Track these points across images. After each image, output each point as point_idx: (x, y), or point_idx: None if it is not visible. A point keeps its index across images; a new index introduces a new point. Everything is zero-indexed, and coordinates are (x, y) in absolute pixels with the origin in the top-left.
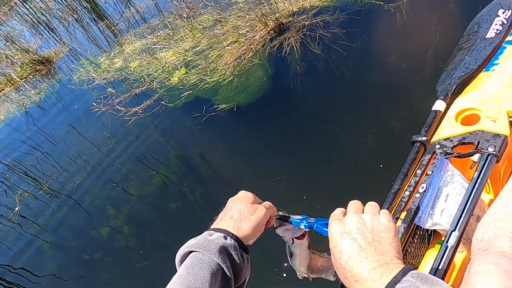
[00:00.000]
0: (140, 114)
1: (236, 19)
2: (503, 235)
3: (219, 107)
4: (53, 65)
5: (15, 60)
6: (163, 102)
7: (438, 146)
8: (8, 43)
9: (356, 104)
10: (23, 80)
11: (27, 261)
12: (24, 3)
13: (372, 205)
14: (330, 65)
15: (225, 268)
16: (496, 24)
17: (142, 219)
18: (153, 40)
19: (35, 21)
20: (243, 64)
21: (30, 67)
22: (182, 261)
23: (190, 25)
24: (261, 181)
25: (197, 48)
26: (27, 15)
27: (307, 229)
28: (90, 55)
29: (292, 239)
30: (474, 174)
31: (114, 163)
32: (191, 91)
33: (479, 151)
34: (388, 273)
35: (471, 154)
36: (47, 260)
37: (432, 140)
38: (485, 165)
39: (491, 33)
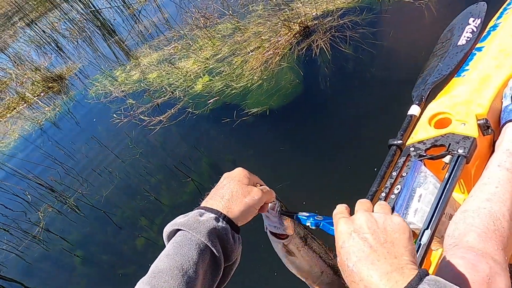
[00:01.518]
0: (165, 123)
1: (257, 25)
2: (472, 231)
3: (250, 111)
4: (66, 81)
5: (24, 80)
6: (189, 110)
7: (413, 149)
8: (16, 64)
9: (390, 105)
10: (35, 97)
11: (57, 279)
12: (30, 25)
13: (383, 205)
14: (362, 65)
15: (214, 251)
16: (467, 32)
17: None
18: (170, 51)
19: (44, 41)
20: (271, 68)
21: (42, 84)
22: (170, 237)
23: (209, 34)
24: (299, 187)
25: (219, 56)
26: (35, 36)
27: (313, 227)
28: (105, 69)
29: (269, 231)
30: (445, 174)
31: (143, 173)
32: (217, 98)
33: (450, 153)
34: (403, 279)
35: (443, 156)
36: (79, 277)
37: (407, 143)
38: (456, 166)
39: (462, 40)
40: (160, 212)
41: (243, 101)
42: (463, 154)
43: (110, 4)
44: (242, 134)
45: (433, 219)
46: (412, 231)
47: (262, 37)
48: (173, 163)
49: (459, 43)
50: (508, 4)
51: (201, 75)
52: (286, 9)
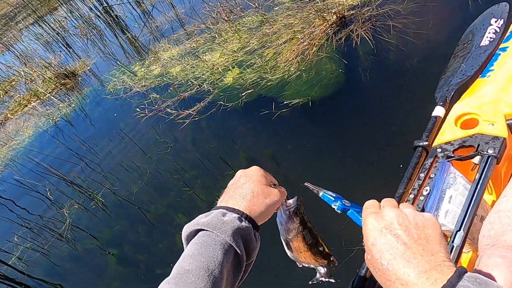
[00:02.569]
0: (194, 117)
1: (286, 18)
2: (509, 231)
3: (291, 102)
4: (79, 78)
5: (33, 77)
6: (220, 103)
7: (440, 150)
8: (24, 62)
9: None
10: (47, 95)
11: (86, 280)
12: (36, 23)
13: (408, 204)
14: (405, 56)
15: (238, 250)
16: (489, 33)
17: None
18: (191, 46)
19: (53, 38)
20: (308, 59)
21: (55, 81)
22: (189, 237)
23: (233, 27)
24: (344, 182)
25: (248, 48)
26: (42, 34)
27: (339, 211)
28: (122, 65)
29: (288, 214)
30: (475, 175)
31: (176, 168)
32: (252, 90)
33: (479, 153)
34: (442, 277)
35: (472, 157)
36: (110, 277)
37: (434, 144)
38: (486, 167)
39: (485, 41)
40: (198, 209)
41: (280, 92)
42: (493, 154)
43: (122, 0)
44: (281, 126)
45: (465, 220)
46: (444, 232)
47: (294, 28)
48: (207, 157)
49: (482, 43)
50: None
51: (230, 67)
52: (318, 0)
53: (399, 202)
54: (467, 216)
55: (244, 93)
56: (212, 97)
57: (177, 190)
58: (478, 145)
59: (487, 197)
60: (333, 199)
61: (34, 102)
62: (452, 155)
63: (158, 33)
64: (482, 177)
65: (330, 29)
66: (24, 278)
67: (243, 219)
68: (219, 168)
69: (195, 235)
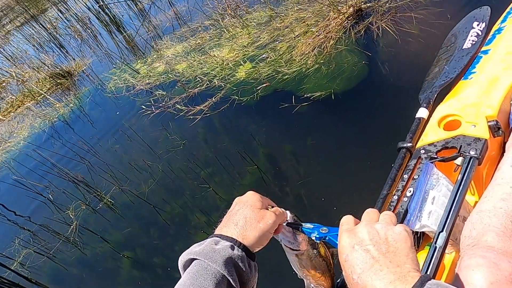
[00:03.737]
0: (206, 112)
1: (297, 12)
2: (490, 231)
3: (312, 95)
4: (76, 77)
5: (26, 78)
6: (233, 98)
7: (423, 151)
8: (14, 63)
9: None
10: (42, 95)
11: (97, 286)
12: (25, 25)
13: (387, 215)
14: (429, 45)
15: (231, 280)
16: (471, 36)
17: None
18: (196, 42)
19: (45, 39)
20: (326, 52)
21: (50, 81)
22: (186, 266)
23: (241, 23)
24: (369, 181)
25: (258, 43)
26: (33, 35)
27: (318, 241)
28: (121, 63)
29: (287, 246)
30: (458, 176)
31: (191, 165)
32: (268, 84)
33: (461, 154)
34: (406, 287)
35: (455, 158)
36: (124, 283)
37: (417, 145)
38: (468, 168)
39: (467, 44)
40: (216, 208)
41: (299, 86)
42: (475, 155)
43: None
44: (302, 120)
45: (448, 221)
46: (427, 233)
47: (307, 22)
48: (224, 153)
49: (464, 46)
50: None
51: (241, 62)
52: None
53: (383, 204)
54: (450, 217)
55: (259, 87)
56: (224, 92)
57: (192, 189)
58: (461, 146)
59: (470, 198)
60: (311, 230)
61: (28, 103)
62: (435, 156)
63: (159, 31)
64: (464, 178)
65: (347, 22)
66: (29, 285)
67: (236, 247)
68: (238, 164)
69: (191, 264)
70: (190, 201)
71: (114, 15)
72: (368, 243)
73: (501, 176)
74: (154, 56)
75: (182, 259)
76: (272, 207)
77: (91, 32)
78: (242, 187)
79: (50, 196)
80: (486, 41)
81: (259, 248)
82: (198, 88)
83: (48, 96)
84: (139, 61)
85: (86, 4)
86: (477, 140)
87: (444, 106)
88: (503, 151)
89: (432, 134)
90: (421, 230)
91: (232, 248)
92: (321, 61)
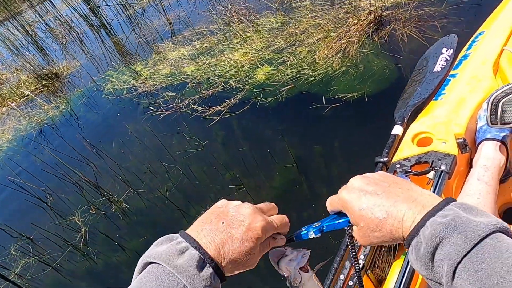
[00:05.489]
0: (225, 113)
1: (311, 18)
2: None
3: (344, 96)
4: (65, 79)
5: (1, 81)
6: (255, 99)
7: (399, 165)
8: None
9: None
10: (25, 97)
11: None
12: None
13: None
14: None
15: None
16: (441, 60)
17: None
18: (204, 46)
19: (21, 42)
20: (351, 56)
21: (34, 83)
22: (146, 265)
23: (253, 28)
24: None
25: (274, 47)
26: (8, 37)
27: (318, 234)
28: (118, 65)
29: (299, 272)
30: (430, 189)
31: (213, 167)
32: (292, 85)
33: (433, 169)
34: (429, 201)
35: (427, 172)
36: None
37: (393, 160)
38: (439, 181)
39: (437, 68)
40: None
41: (327, 88)
42: (446, 170)
43: (112, 2)
44: (333, 121)
45: None
46: (402, 244)
47: (324, 28)
48: (249, 154)
49: (435, 69)
50: (476, 37)
51: (258, 65)
52: (345, 2)
53: None
54: None
55: (283, 89)
56: (244, 94)
57: (217, 192)
58: (432, 161)
59: None
60: (305, 231)
61: (8, 105)
62: (410, 170)
63: (156, 35)
64: (436, 190)
65: (368, 28)
66: None
67: (215, 276)
68: (265, 165)
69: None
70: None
71: (105, 18)
72: (368, 186)
73: (469, 188)
74: (156, 58)
75: (152, 259)
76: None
77: (78, 34)
78: (272, 189)
79: (48, 200)
80: (454, 65)
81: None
82: (213, 89)
83: (35, 97)
84: (139, 63)
85: (73, 7)
86: (447, 156)
87: (417, 124)
88: (471, 166)
89: (407, 149)
90: None
91: (213, 277)
92: (348, 64)
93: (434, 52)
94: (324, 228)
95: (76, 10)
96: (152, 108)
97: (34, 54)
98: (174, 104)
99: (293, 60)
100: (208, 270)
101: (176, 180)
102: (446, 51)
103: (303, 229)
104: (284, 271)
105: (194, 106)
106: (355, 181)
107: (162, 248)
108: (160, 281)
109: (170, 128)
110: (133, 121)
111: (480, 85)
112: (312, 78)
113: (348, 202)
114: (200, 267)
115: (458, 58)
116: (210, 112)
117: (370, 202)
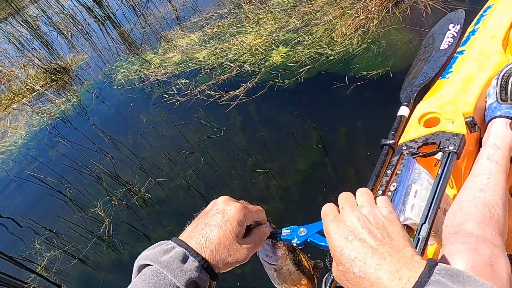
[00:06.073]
0: (242, 97)
1: None
2: (470, 219)
3: (368, 74)
4: (73, 72)
5: (10, 78)
6: (272, 81)
7: (405, 147)
8: None
9: None
10: (35, 92)
11: None
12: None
13: (365, 194)
14: None
15: None
16: (448, 37)
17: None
18: (214, 30)
19: (27, 38)
20: (372, 32)
21: (44, 78)
22: (141, 268)
23: (263, 9)
24: None
25: (289, 27)
26: (12, 34)
27: (300, 247)
28: (127, 55)
29: (265, 261)
30: (438, 170)
31: (235, 152)
32: (311, 65)
33: (441, 150)
34: (414, 274)
35: (435, 153)
36: None
37: (399, 142)
38: (448, 162)
39: (444, 45)
40: (272, 197)
41: (349, 66)
42: (454, 150)
43: None
44: (358, 100)
45: (430, 213)
46: (410, 226)
47: (340, 5)
48: (271, 138)
49: (441, 47)
50: (484, 11)
51: (273, 47)
52: None
53: None
54: (431, 209)
55: (302, 70)
56: (260, 77)
57: (241, 177)
58: (440, 142)
59: (449, 191)
60: (290, 236)
61: (19, 101)
62: (417, 152)
63: (164, 22)
64: (444, 172)
65: (388, 2)
66: None
67: (202, 269)
68: (289, 148)
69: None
70: (240, 191)
71: (109, 9)
72: (361, 231)
73: (479, 168)
74: (166, 46)
75: (142, 261)
76: (257, 221)
77: (83, 27)
78: (297, 172)
79: (68, 193)
80: (462, 42)
81: (222, 272)
82: (227, 74)
83: (43, 93)
84: (148, 52)
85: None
86: (455, 136)
87: (424, 104)
88: (480, 146)
89: (413, 131)
90: (404, 223)
91: (199, 269)
92: (369, 41)
93: (440, 29)
94: (308, 241)
95: (80, 2)
96: (166, 96)
97: (40, 49)
98: (189, 91)
99: (310, 39)
100: (192, 263)
101: (196, 167)
102: (453, 27)
103: (289, 232)
104: (264, 246)
105: (209, 92)
106: (350, 218)
107: (152, 251)
108: (149, 279)
109: (186, 115)
110: (147, 110)
111: (489, 61)
112: (332, 57)
113: (333, 239)
114: (184, 260)
115: (466, 34)
116: (227, 97)
117: (353, 252)
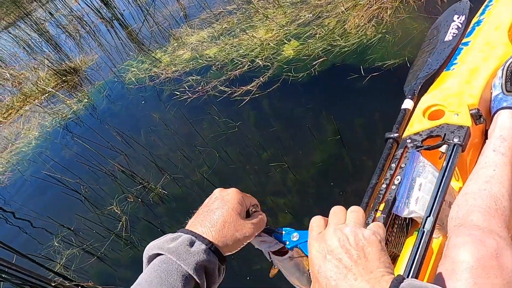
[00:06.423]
0: (255, 92)
1: None
2: (475, 211)
3: (384, 64)
4: (83, 73)
5: (21, 80)
6: (285, 75)
7: (409, 140)
8: (2, 66)
9: None
10: (46, 94)
11: None
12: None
13: (355, 212)
14: None
15: (199, 282)
16: (452, 28)
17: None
18: (223, 27)
19: (36, 41)
20: (386, 22)
21: (54, 79)
22: (151, 259)
23: (273, 4)
24: None
25: (300, 21)
26: (21, 37)
27: (291, 250)
28: (137, 55)
29: (269, 253)
30: (443, 163)
31: (251, 147)
32: (325, 58)
33: (446, 142)
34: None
35: (439, 146)
36: None
37: (404, 135)
38: (452, 155)
39: (449, 37)
40: (289, 190)
41: (364, 57)
42: (459, 142)
43: None
44: (374, 91)
45: (435, 206)
46: (415, 220)
47: None
48: (286, 132)
49: (446, 39)
50: (490, 1)
51: (285, 41)
52: None
53: (372, 192)
54: (436, 202)
55: (315, 63)
56: (273, 71)
57: (257, 172)
58: (445, 134)
59: (455, 184)
60: (283, 237)
61: (31, 103)
62: (421, 145)
63: (172, 21)
64: (449, 164)
65: None
66: None
67: (210, 251)
68: (305, 141)
69: (156, 256)
70: (256, 185)
71: (117, 9)
72: (339, 251)
73: (485, 160)
74: (175, 44)
75: (150, 251)
76: (255, 205)
77: (91, 28)
78: (313, 165)
79: (83, 191)
80: (466, 33)
81: (230, 253)
82: (239, 69)
83: (57, 93)
84: (157, 50)
85: (84, 1)
86: (460, 128)
87: (428, 97)
88: (486, 138)
89: (417, 124)
90: (409, 216)
91: (207, 252)
92: (383, 31)
93: (445, 21)
94: (298, 247)
95: (87, 3)
96: (178, 94)
97: (49, 51)
98: (200, 88)
99: (322, 32)
100: (199, 246)
101: (211, 163)
102: (458, 18)
103: (283, 233)
104: (256, 246)
105: (221, 88)
106: (331, 238)
107: (159, 240)
108: (157, 267)
109: (198, 112)
110: (159, 108)
111: (495, 52)
112: (346, 49)
113: (313, 257)
114: (191, 244)
115: (471, 25)
116: (239, 92)
117: (329, 271)
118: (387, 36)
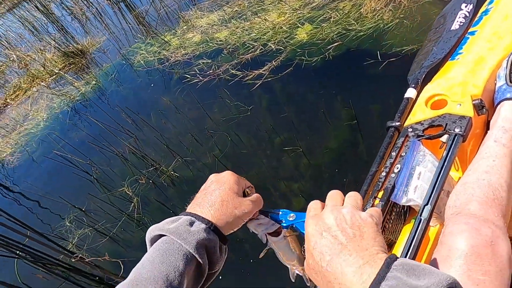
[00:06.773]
0: (267, 76)
1: None
2: (473, 200)
3: (402, 50)
4: (91, 55)
5: (28, 61)
6: (299, 59)
7: (411, 129)
8: (8, 47)
9: None
10: (54, 76)
11: None
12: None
13: (353, 197)
14: None
15: (201, 261)
16: (459, 17)
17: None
18: (234, 10)
19: (42, 22)
20: (404, 6)
21: (62, 61)
22: (153, 240)
23: None
24: None
25: (313, 4)
26: (27, 19)
27: (285, 229)
28: (145, 37)
29: (266, 235)
30: (443, 153)
31: (264, 131)
32: (340, 42)
33: (447, 132)
34: (374, 270)
35: (440, 135)
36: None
37: (405, 124)
38: (453, 144)
39: (455, 25)
40: (301, 175)
41: (380, 42)
42: (460, 133)
43: None
44: (391, 77)
45: (433, 194)
46: (413, 208)
47: None
48: (300, 116)
49: (452, 28)
50: None
51: (298, 24)
52: None
53: (372, 180)
54: (434, 191)
55: (330, 47)
56: (286, 55)
57: (270, 156)
58: (446, 124)
59: (454, 174)
60: (279, 217)
61: (38, 85)
62: (422, 134)
63: (181, 3)
64: (449, 154)
65: None
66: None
67: (210, 231)
68: (319, 126)
69: (158, 239)
70: (269, 169)
71: None
72: (335, 229)
73: (485, 151)
74: (184, 27)
75: (152, 233)
76: (250, 187)
77: (98, 10)
78: (328, 151)
79: (94, 172)
80: (474, 22)
81: (230, 232)
82: (251, 53)
83: (65, 75)
84: (166, 33)
85: None
86: (462, 118)
87: (432, 86)
88: (488, 129)
89: (420, 113)
90: (407, 204)
91: (207, 231)
92: (401, 16)
93: (452, 9)
94: (294, 226)
95: None
96: (188, 77)
97: (55, 33)
98: (211, 71)
99: (337, 16)
100: (199, 225)
101: (223, 147)
102: (466, 6)
103: (279, 213)
104: (252, 230)
105: (233, 71)
106: (328, 216)
107: (174, 225)
108: (159, 247)
109: (209, 95)
110: (168, 91)
111: (501, 42)
112: (362, 33)
113: (309, 234)
114: (191, 224)
115: (479, 14)
116: (251, 76)
117: (324, 247)
118: (405, 21)
